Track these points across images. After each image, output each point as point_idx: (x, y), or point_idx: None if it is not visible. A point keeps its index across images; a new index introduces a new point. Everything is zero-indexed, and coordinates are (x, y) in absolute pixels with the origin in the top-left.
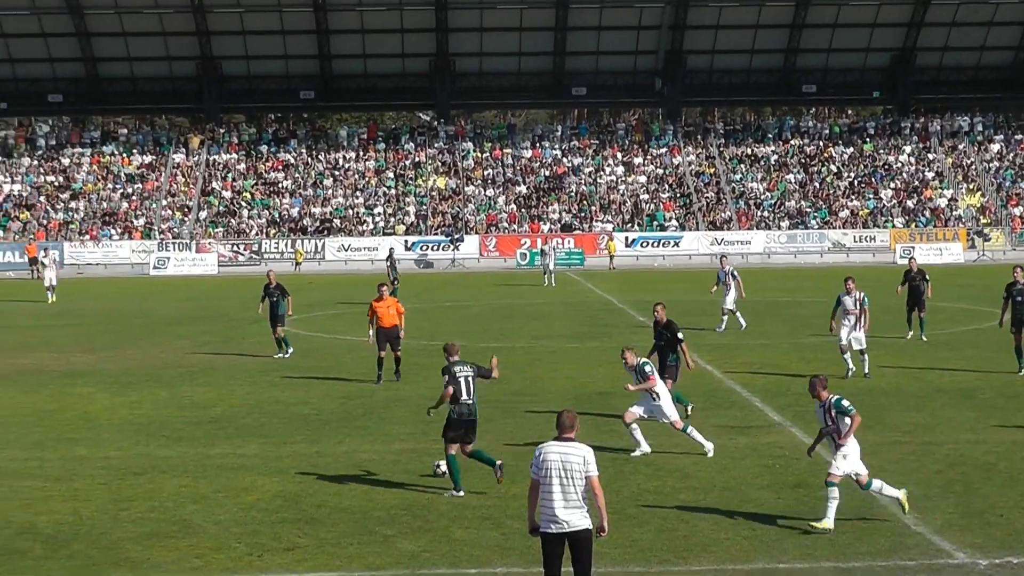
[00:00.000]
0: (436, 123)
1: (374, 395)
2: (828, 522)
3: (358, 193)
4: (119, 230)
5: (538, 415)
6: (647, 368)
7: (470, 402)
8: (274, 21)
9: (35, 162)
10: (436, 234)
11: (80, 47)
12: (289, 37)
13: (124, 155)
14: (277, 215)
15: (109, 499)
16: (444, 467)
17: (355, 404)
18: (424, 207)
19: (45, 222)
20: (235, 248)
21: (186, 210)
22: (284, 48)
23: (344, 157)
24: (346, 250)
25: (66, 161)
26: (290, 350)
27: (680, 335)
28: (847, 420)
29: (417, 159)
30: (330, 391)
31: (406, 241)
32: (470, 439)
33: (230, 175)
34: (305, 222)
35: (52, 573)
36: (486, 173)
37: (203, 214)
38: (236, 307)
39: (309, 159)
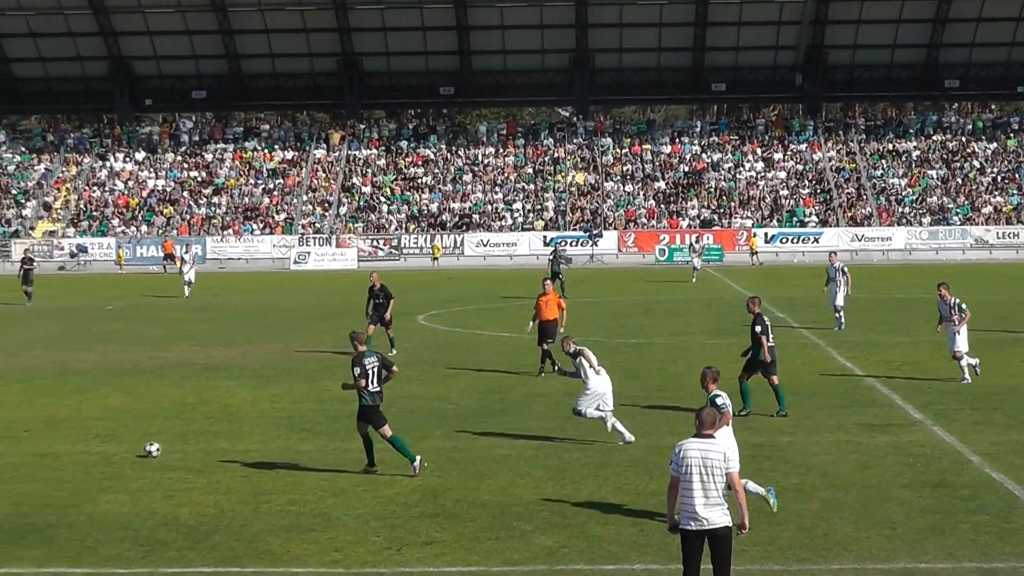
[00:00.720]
0: (575, 119)
1: (512, 390)
2: None
3: (497, 188)
4: (260, 225)
5: (676, 411)
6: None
7: (377, 390)
8: (415, 18)
9: (179, 158)
10: (575, 230)
11: (224, 44)
12: (429, 33)
13: (266, 151)
14: (416, 210)
15: (250, 492)
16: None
17: (493, 399)
18: (563, 203)
19: (188, 217)
20: (375, 243)
21: (326, 205)
22: (424, 44)
23: (483, 153)
24: (485, 245)
25: (209, 157)
26: (392, 351)
27: (756, 328)
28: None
29: (556, 155)
30: (468, 386)
31: (544, 237)
32: (381, 423)
33: (370, 170)
34: (444, 217)
35: (194, 564)
36: (625, 169)
37: (343, 209)
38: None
39: (448, 155)
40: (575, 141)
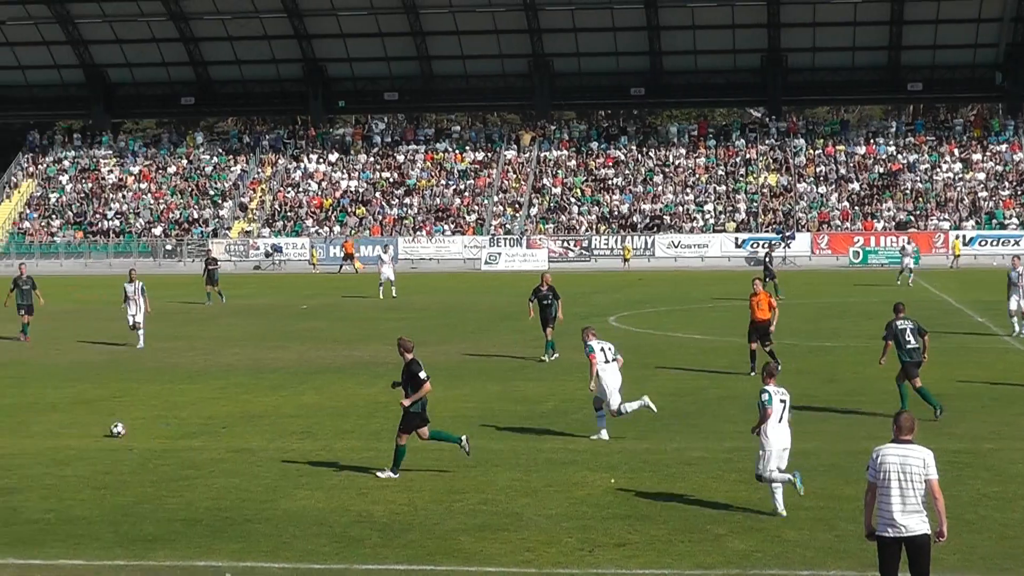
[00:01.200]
0: (767, 119)
1: (705, 392)
2: None
3: (688, 190)
4: (452, 225)
5: (871, 416)
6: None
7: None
8: (605, 18)
9: (371, 159)
10: (767, 231)
11: (415, 46)
12: (620, 34)
13: (457, 151)
14: (607, 211)
15: (443, 490)
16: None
17: (686, 401)
18: (754, 204)
19: (380, 218)
20: (565, 244)
21: (517, 206)
22: (615, 45)
23: (674, 154)
24: (676, 247)
25: (401, 158)
26: (555, 355)
27: (884, 334)
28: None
29: (748, 156)
30: (660, 387)
31: (736, 238)
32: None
33: (560, 171)
34: (635, 219)
35: (387, 561)
36: (818, 170)
37: (534, 210)
38: (567, 303)
39: (639, 156)
40: (767, 142)
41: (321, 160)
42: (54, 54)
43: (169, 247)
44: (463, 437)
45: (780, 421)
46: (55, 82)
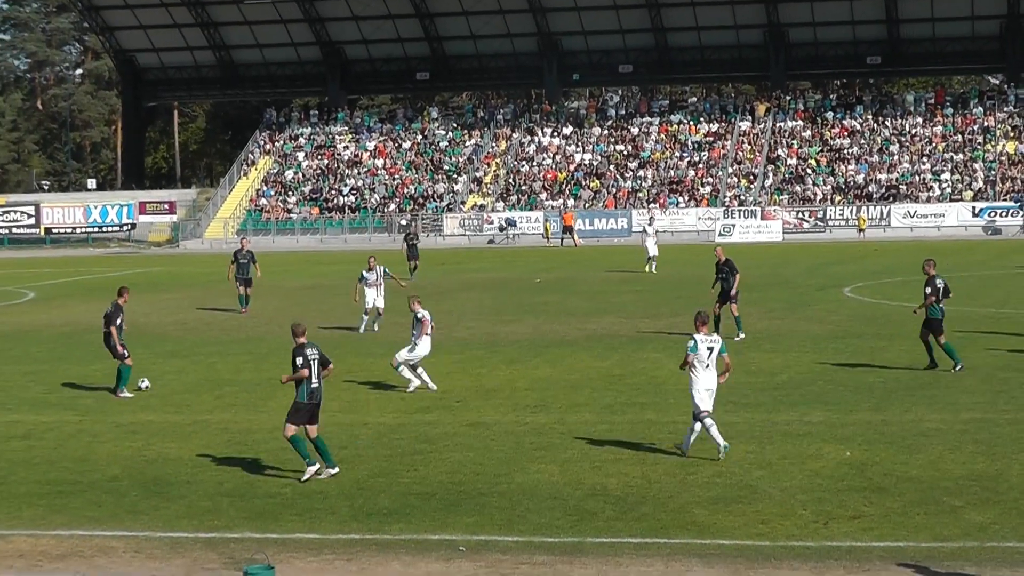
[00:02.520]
0: (1006, 86)
1: (941, 363)
2: None
3: (924, 159)
4: (686, 198)
5: None
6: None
7: (315, 385)
8: None
9: (605, 132)
10: (1005, 200)
11: (650, 18)
12: (856, 3)
13: (691, 123)
14: (842, 181)
15: (676, 463)
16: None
17: (923, 373)
18: (992, 173)
19: (614, 191)
20: (800, 215)
21: (752, 177)
22: (851, 13)
23: (911, 123)
24: (912, 216)
25: (635, 130)
26: (741, 335)
27: (927, 289)
28: None
29: (986, 124)
30: (895, 358)
31: (974, 208)
32: (314, 421)
33: (795, 142)
34: (870, 188)
35: (622, 534)
36: None
37: (768, 181)
38: (802, 274)
39: (875, 125)
40: (1006, 109)
41: (555, 133)
42: (291, 32)
43: (404, 222)
44: (335, 469)
45: (707, 367)
46: (292, 60)
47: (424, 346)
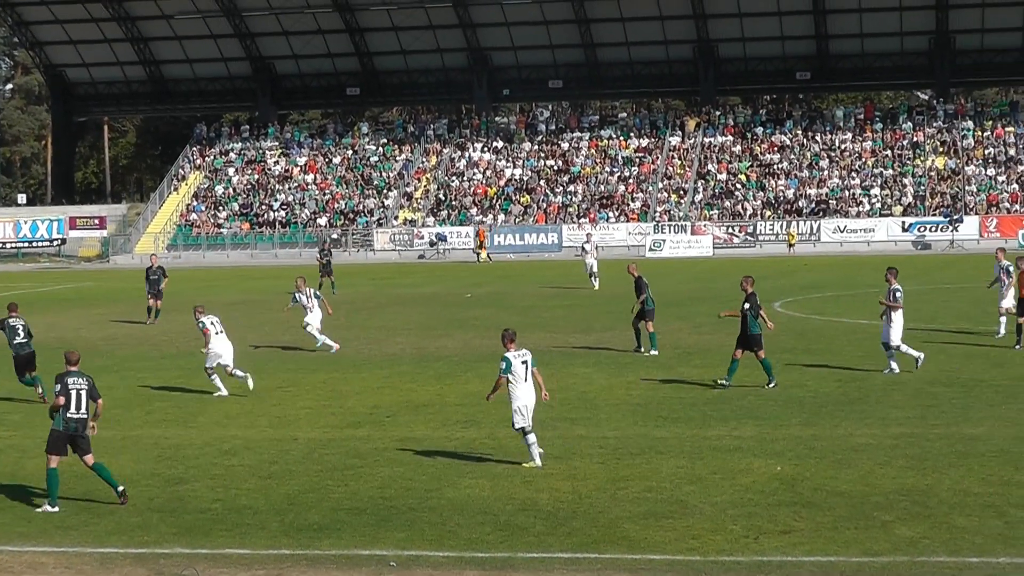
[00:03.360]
0: (935, 102)
1: (871, 378)
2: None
3: (854, 174)
4: (616, 212)
5: None
6: None
7: (78, 416)
8: (770, 3)
9: (535, 147)
10: (934, 215)
11: (579, 33)
12: (786, 18)
13: (622, 138)
14: (772, 196)
15: (607, 478)
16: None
17: (852, 387)
18: (922, 188)
19: (544, 205)
20: (730, 230)
21: (682, 192)
22: (780, 30)
23: (840, 138)
24: (842, 231)
25: (565, 145)
26: (653, 351)
27: (746, 305)
28: None
29: (915, 139)
30: (826, 373)
31: (903, 223)
32: (85, 451)
33: (725, 157)
34: (800, 203)
35: (552, 549)
36: (987, 152)
37: (698, 196)
38: (732, 289)
39: (805, 140)
40: (935, 124)
41: (486, 148)
42: (221, 47)
43: (334, 237)
44: (121, 488)
45: (525, 380)
46: (222, 75)
47: (217, 348)
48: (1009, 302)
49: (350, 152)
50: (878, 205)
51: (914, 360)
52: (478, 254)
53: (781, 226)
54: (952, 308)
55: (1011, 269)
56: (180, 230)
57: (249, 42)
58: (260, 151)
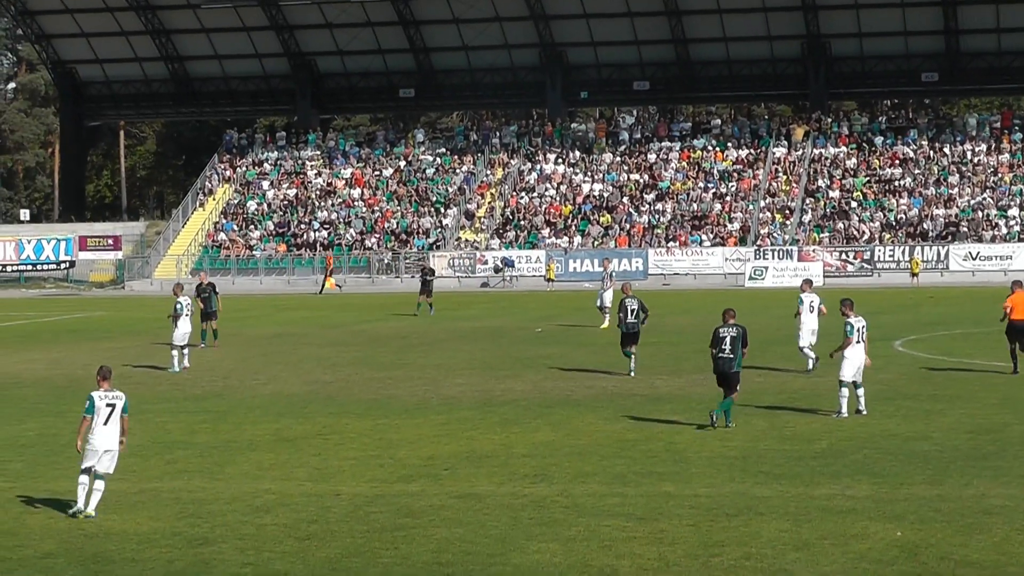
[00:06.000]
0: None
1: (1008, 429)
2: None
3: (989, 192)
4: (711, 235)
5: None
6: None
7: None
8: None
9: (617, 158)
10: None
11: (670, 27)
12: (909, 10)
13: (717, 149)
14: (893, 218)
15: (698, 543)
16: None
17: (985, 440)
18: None
19: (627, 226)
20: (843, 256)
21: (787, 212)
22: (903, 23)
23: (973, 150)
24: (973, 258)
25: (652, 157)
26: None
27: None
28: None
29: None
30: (955, 424)
31: None
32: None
33: (839, 171)
34: (925, 226)
35: None
36: None
37: (807, 217)
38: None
39: (931, 152)
40: None
41: (560, 160)
42: (255, 41)
43: (385, 261)
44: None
45: (107, 423)
46: (256, 73)
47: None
48: (805, 340)
49: (403, 163)
50: (1016, 228)
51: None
52: (323, 285)
53: (903, 252)
54: None
55: (814, 304)
56: (206, 252)
57: (287, 36)
58: (299, 162)
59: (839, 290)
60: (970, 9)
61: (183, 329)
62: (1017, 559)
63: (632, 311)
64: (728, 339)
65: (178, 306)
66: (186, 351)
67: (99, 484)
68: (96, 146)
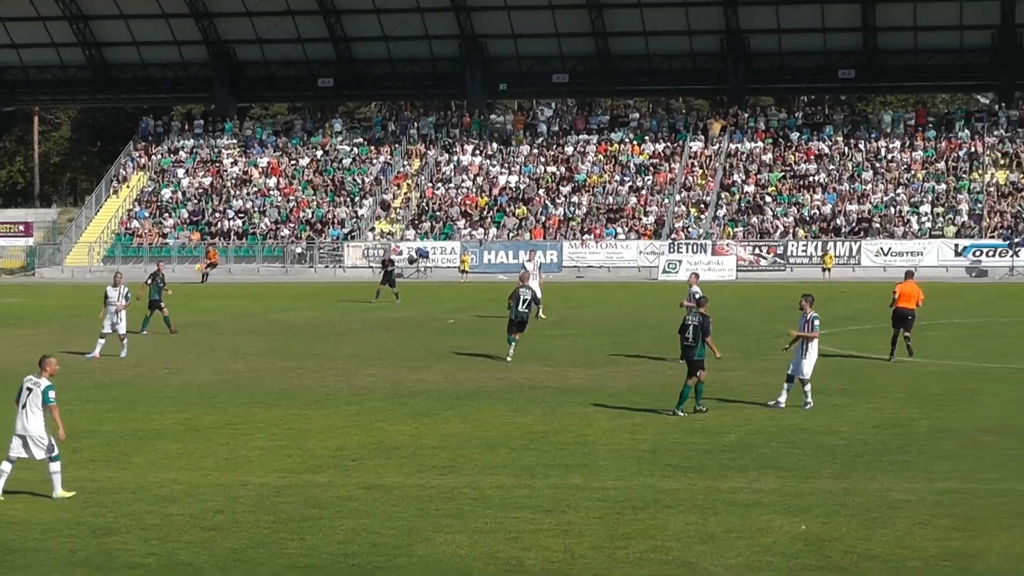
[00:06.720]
0: (997, 107)
1: (914, 424)
2: None
3: (901, 188)
4: (625, 228)
5: None
6: None
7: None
8: None
9: (535, 151)
10: (992, 237)
11: (590, 20)
12: (828, 7)
13: (635, 143)
14: (806, 213)
15: (605, 535)
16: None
17: (891, 434)
18: (979, 205)
19: (543, 218)
20: (757, 251)
21: (702, 206)
22: (822, 20)
23: (887, 146)
24: (885, 254)
25: (569, 149)
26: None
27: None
28: None
29: (973, 149)
30: (863, 418)
31: (956, 245)
32: None
33: (754, 166)
34: (838, 221)
35: None
36: None
37: (722, 211)
38: (758, 319)
39: (846, 148)
40: (996, 133)
41: (477, 152)
42: (174, 28)
43: (299, 251)
44: None
45: (24, 407)
46: (174, 60)
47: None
48: None
49: (320, 153)
50: (928, 225)
51: (778, 402)
52: (205, 275)
53: (816, 247)
54: (1012, 346)
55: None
56: (119, 240)
57: (206, 23)
58: (215, 150)
59: (751, 285)
60: (888, 7)
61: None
62: (919, 553)
63: (524, 301)
64: (691, 328)
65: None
66: (102, 341)
67: (52, 466)
68: (9, 132)
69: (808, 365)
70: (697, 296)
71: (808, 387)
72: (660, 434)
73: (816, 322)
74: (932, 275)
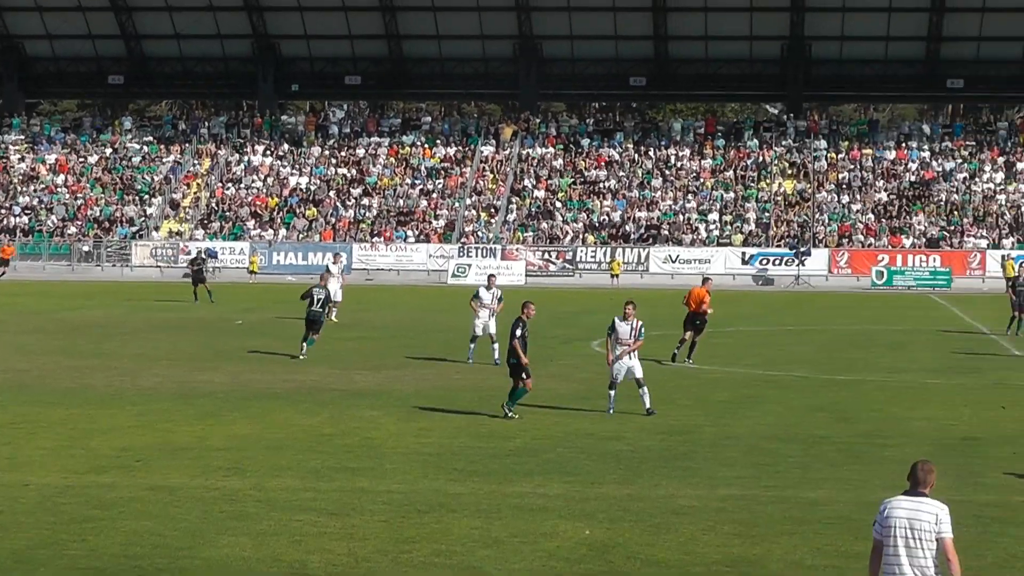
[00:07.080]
0: (785, 117)
1: (700, 431)
2: None
3: (690, 196)
4: (416, 231)
5: (892, 462)
6: None
7: None
8: None
9: (326, 152)
10: (779, 246)
11: (384, 23)
12: (620, 15)
13: (426, 146)
14: (596, 219)
15: (390, 539)
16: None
17: (677, 440)
18: (766, 214)
19: (333, 220)
20: (546, 256)
21: (492, 211)
22: (614, 27)
23: (677, 154)
24: (673, 261)
25: (361, 152)
26: None
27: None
28: None
29: (761, 158)
30: (648, 424)
31: (743, 254)
32: None
33: (545, 172)
34: (627, 228)
35: None
36: (841, 176)
37: (512, 216)
38: (546, 324)
39: (636, 155)
40: (784, 143)
41: (268, 152)
42: None
43: (86, 249)
44: None
45: None
46: None
47: None
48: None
49: (109, 151)
50: (716, 233)
51: (608, 409)
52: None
53: (605, 253)
54: (794, 353)
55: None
56: None
57: None
58: (2, 146)
59: (540, 290)
60: (679, 16)
61: None
62: (702, 558)
63: (318, 300)
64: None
65: None
66: None
67: None
68: None
69: (638, 365)
70: (498, 296)
71: (646, 387)
72: (447, 438)
73: (643, 329)
74: (719, 283)
